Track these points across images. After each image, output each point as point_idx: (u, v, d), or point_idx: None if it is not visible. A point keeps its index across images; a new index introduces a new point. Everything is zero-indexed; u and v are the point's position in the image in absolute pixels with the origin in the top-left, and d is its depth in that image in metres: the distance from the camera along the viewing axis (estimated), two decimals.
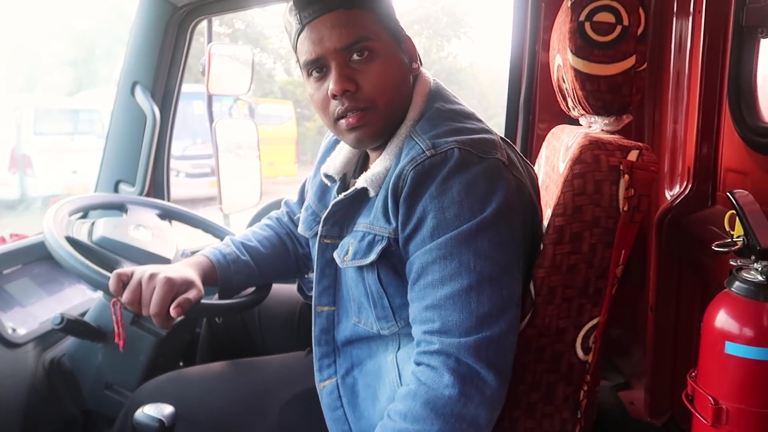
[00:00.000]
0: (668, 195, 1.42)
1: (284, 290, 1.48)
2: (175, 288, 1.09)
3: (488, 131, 0.98)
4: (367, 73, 0.97)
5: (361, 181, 1.01)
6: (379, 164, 1.01)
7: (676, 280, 1.33)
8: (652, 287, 1.37)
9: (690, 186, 1.30)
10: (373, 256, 0.98)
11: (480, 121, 1.01)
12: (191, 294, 1.10)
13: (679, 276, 1.32)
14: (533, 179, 1.08)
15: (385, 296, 1.00)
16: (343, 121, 1.00)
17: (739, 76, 1.13)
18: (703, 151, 1.26)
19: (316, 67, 1.00)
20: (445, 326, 0.88)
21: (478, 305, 0.88)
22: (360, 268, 1.01)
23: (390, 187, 0.95)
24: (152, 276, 1.09)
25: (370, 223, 0.99)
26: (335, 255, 1.06)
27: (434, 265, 0.90)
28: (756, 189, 1.05)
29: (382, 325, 1.03)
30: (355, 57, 0.98)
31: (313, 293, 1.11)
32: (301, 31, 1.00)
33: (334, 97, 0.98)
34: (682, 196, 1.30)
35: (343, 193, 1.05)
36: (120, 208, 1.47)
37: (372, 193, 1.00)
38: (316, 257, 1.10)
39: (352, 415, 1.05)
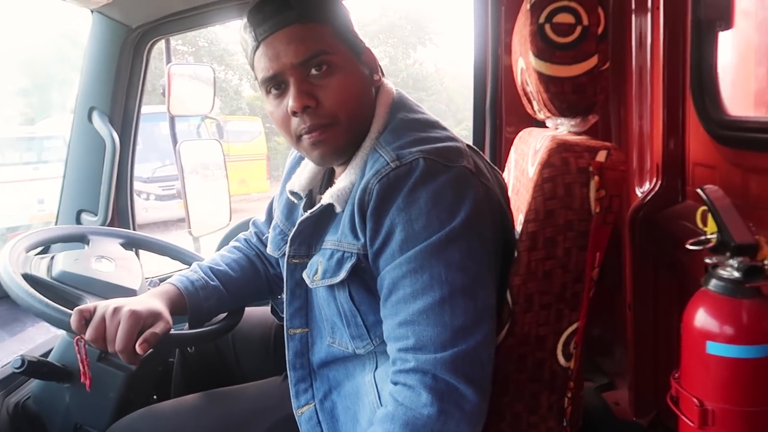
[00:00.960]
0: (639, 192, 1.42)
1: (257, 313, 1.44)
2: (141, 321, 1.04)
3: (453, 139, 0.96)
4: (327, 87, 0.95)
5: (327, 197, 0.98)
6: (344, 179, 0.98)
7: (651, 277, 1.32)
8: (628, 285, 1.37)
9: (659, 182, 1.29)
10: (343, 274, 0.95)
11: (445, 129, 0.99)
12: (158, 327, 1.05)
13: (655, 273, 1.31)
14: (502, 185, 1.06)
15: (358, 314, 0.97)
16: (306, 138, 0.97)
17: (701, 70, 1.13)
18: (671, 147, 1.27)
19: (274, 83, 0.97)
20: (419, 342, 0.86)
21: (452, 318, 0.85)
22: (331, 287, 0.98)
23: (356, 201, 0.92)
24: (116, 310, 1.04)
25: (337, 239, 0.97)
26: (304, 275, 1.03)
27: (405, 279, 0.87)
28: (724, 182, 1.05)
29: (357, 345, 1.00)
30: (314, 72, 0.95)
31: (284, 315, 1.08)
32: (257, 48, 0.97)
33: (294, 114, 0.96)
34: (653, 193, 1.30)
35: (309, 211, 1.02)
36: (81, 239, 1.41)
37: (338, 209, 0.98)
38: (285, 278, 1.07)
39: None
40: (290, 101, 0.95)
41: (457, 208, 0.88)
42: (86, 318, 1.04)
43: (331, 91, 0.95)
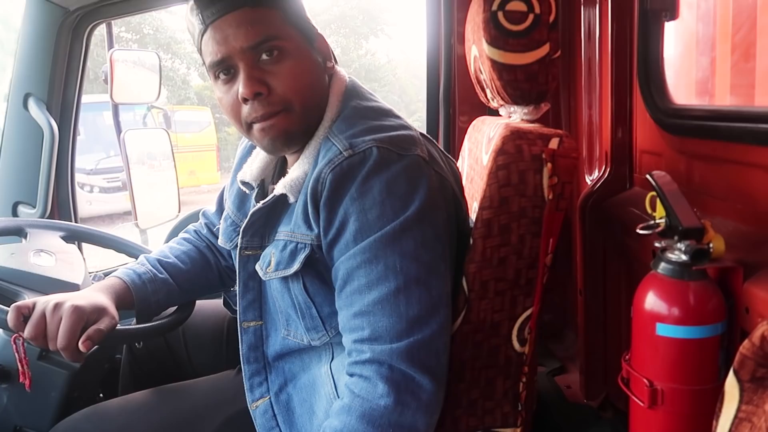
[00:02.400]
0: (588, 180, 1.45)
1: (209, 306, 1.40)
2: (84, 317, 0.99)
3: (407, 127, 0.96)
4: (278, 73, 0.92)
5: (280, 187, 0.96)
6: (297, 168, 0.96)
7: (601, 263, 1.35)
8: (579, 271, 1.39)
9: (608, 170, 1.32)
10: (296, 266, 0.93)
11: (398, 117, 0.98)
12: (103, 323, 1.00)
13: (605, 258, 1.34)
14: (456, 174, 1.06)
15: (313, 306, 0.96)
16: (256, 126, 0.94)
17: (647, 60, 1.16)
18: (619, 135, 1.29)
19: (223, 68, 0.94)
20: (375, 333, 0.85)
21: (407, 308, 0.85)
22: (284, 279, 0.96)
23: (309, 191, 0.90)
24: (57, 306, 0.99)
25: (291, 230, 0.95)
26: (257, 267, 1.00)
27: (360, 269, 0.86)
28: (670, 169, 1.08)
29: (313, 336, 0.98)
30: (264, 57, 0.92)
31: (237, 308, 1.05)
32: (205, 31, 0.94)
33: (245, 101, 0.93)
34: (602, 180, 1.33)
35: (262, 201, 1.00)
36: (18, 233, 1.33)
37: (291, 199, 0.96)
38: (238, 270, 1.04)
39: None
40: (240, 87, 0.92)
41: (410, 197, 0.87)
42: (24, 315, 0.99)
43: (283, 78, 0.93)
